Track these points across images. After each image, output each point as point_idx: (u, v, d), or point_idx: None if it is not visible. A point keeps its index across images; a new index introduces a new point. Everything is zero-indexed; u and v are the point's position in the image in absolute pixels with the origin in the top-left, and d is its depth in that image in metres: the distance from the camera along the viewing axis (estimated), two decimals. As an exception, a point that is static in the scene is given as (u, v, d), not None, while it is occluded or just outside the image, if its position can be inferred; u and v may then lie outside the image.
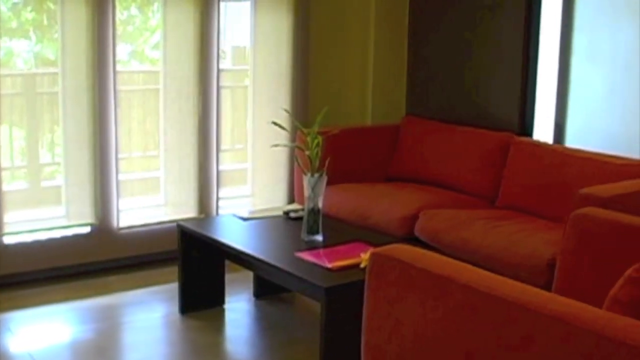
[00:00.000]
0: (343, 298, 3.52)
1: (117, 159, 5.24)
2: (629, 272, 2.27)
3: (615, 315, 2.19)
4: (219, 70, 5.51)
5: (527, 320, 2.21)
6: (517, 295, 2.28)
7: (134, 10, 6.01)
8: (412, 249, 2.71)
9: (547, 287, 3.62)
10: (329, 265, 3.73)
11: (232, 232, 4.50)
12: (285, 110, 4.85)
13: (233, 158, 6.44)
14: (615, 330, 2.04)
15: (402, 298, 2.58)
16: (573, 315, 2.14)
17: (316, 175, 4.09)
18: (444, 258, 2.64)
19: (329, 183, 4.70)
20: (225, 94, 6.23)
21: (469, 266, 2.59)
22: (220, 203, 5.71)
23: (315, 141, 4.08)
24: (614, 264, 3.20)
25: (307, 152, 4.12)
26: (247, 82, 5.89)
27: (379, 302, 2.68)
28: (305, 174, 4.14)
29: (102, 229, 5.26)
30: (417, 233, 4.76)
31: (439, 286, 2.45)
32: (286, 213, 4.65)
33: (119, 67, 5.28)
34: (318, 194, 4.11)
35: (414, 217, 4.82)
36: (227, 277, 4.75)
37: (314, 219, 4.14)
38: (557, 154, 4.94)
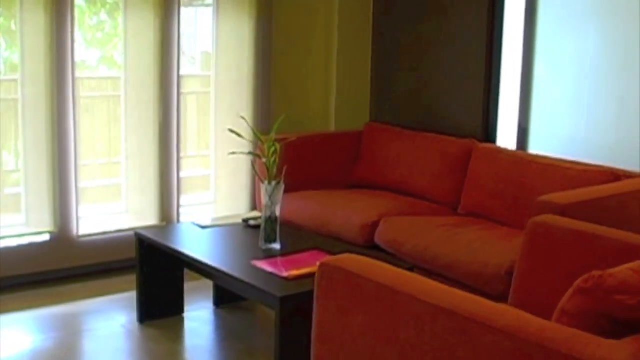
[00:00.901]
0: (298, 307, 3.49)
1: (76, 166, 5.19)
2: (577, 282, 2.25)
3: (562, 327, 2.17)
4: (179, 77, 5.47)
5: (476, 333, 2.18)
6: (466, 307, 2.26)
7: (103, 15, 5.95)
8: (361, 259, 2.68)
9: (506, 295, 3.61)
10: (285, 274, 3.70)
11: (191, 241, 4.46)
12: (242, 118, 4.80)
13: (200, 164, 6.40)
14: (561, 343, 2.02)
15: (350, 309, 2.55)
16: (519, 328, 2.12)
17: (273, 183, 4.05)
18: (393, 269, 2.61)
19: (289, 190, 4.67)
20: (192, 100, 6.19)
21: (418, 277, 2.57)
22: (184, 210, 5.67)
23: (272, 149, 4.04)
24: (571, 272, 3.17)
25: (263, 160, 4.09)
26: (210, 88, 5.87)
27: (328, 313, 2.65)
28: (262, 181, 4.10)
29: (62, 237, 5.21)
30: (377, 241, 4.73)
31: (387, 297, 2.43)
32: (245, 221, 4.62)
33: (80, 74, 5.23)
34: (275, 202, 4.08)
35: (375, 225, 4.78)
36: (187, 285, 4.72)
37: (271, 227, 4.11)
38: (519, 160, 4.93)
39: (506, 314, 2.25)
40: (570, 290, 2.26)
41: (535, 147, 5.37)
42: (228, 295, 4.77)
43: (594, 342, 2.02)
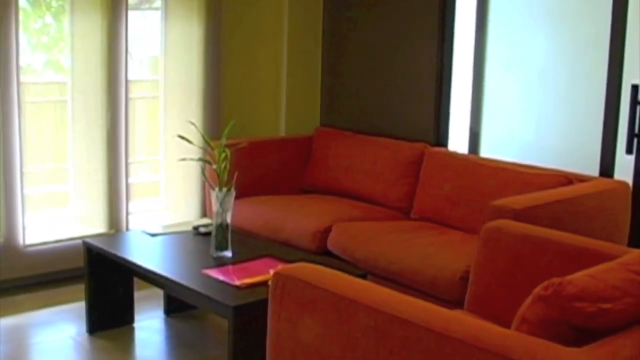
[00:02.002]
0: (251, 316, 3.43)
1: (22, 173, 5.07)
2: (537, 290, 2.22)
3: (523, 335, 2.15)
4: (127, 81, 5.38)
5: (433, 342, 2.15)
6: (422, 316, 2.23)
7: (48, 18, 5.83)
8: (316, 268, 2.64)
9: (460, 301, 3.58)
10: (237, 283, 3.64)
11: (140, 249, 4.38)
12: (192, 123, 4.73)
13: (150, 170, 6.31)
14: (522, 352, 2.00)
15: (304, 319, 2.51)
16: (479, 337, 2.09)
17: (224, 189, 3.99)
18: (348, 277, 2.57)
19: (240, 196, 4.62)
20: (140, 105, 6.10)
21: (373, 285, 2.53)
22: (133, 217, 5.58)
23: (223, 155, 3.98)
24: (526, 278, 3.17)
25: (214, 166, 4.02)
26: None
27: (282, 323, 2.60)
28: (213, 188, 4.04)
29: (8, 246, 5.08)
30: (330, 247, 4.69)
31: (342, 307, 2.39)
32: (196, 228, 4.55)
33: (25, 78, 5.13)
34: (226, 209, 4.01)
35: (327, 231, 4.74)
36: (137, 294, 4.64)
37: (222, 235, 4.05)
38: (471, 164, 4.93)
39: (465, 323, 2.22)
40: (530, 298, 2.24)
41: (487, 151, 5.37)
42: (179, 304, 4.70)
43: (554, 350, 2.01)
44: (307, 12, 6.09)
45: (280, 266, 2.70)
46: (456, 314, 2.32)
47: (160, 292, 4.72)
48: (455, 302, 3.78)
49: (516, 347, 2.02)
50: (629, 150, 4.55)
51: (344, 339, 2.38)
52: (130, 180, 5.55)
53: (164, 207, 5.81)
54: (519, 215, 3.68)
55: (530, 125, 5.28)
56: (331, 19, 6.09)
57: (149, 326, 4.63)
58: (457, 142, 5.50)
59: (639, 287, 2.26)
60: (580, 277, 2.22)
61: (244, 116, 5.85)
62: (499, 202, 3.83)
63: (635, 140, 4.52)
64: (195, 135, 4.74)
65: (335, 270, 2.65)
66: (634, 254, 2.57)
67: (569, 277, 2.19)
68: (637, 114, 4.50)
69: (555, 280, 2.17)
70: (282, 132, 6.08)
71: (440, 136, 5.45)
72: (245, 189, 5.12)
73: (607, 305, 2.14)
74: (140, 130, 6.15)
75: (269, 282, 3.43)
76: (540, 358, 1.96)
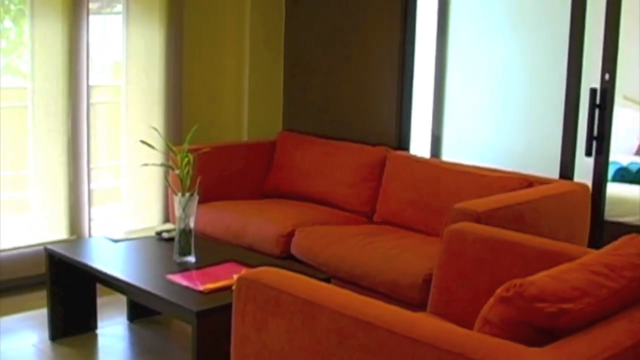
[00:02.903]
0: (215, 321, 3.42)
1: (-19, 180, 5.04)
2: (499, 291, 2.25)
3: (485, 336, 2.17)
4: (88, 86, 5.35)
5: (395, 345, 2.17)
6: (387, 319, 2.25)
7: (7, 23, 5.78)
8: (280, 272, 2.65)
9: (423, 303, 3.61)
10: (201, 288, 3.63)
11: (102, 255, 4.36)
12: (154, 128, 4.72)
13: (112, 176, 6.28)
14: (484, 353, 2.02)
15: (268, 323, 2.51)
16: (442, 339, 2.11)
17: (187, 194, 3.99)
18: (312, 281, 2.58)
19: (203, 201, 4.61)
20: (103, 110, 6.08)
21: (337, 289, 2.54)
22: (96, 222, 5.55)
23: (185, 160, 3.98)
24: (488, 279, 3.20)
25: (176, 171, 4.01)
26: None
27: (246, 327, 2.60)
28: (175, 193, 4.03)
29: (-32, 253, 5.04)
30: (293, 251, 4.70)
31: (305, 310, 2.40)
32: (159, 233, 4.53)
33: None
34: (189, 214, 4.01)
35: (290, 235, 4.76)
36: (100, 300, 4.61)
37: (185, 240, 4.04)
38: (433, 167, 4.96)
39: (427, 324, 2.24)
40: (492, 299, 2.26)
41: (448, 155, 5.41)
42: (142, 310, 4.67)
43: (516, 350, 2.03)
44: (269, 16, 6.10)
45: (244, 271, 2.71)
46: (419, 316, 2.34)
47: (123, 298, 4.69)
48: (418, 305, 3.81)
49: (478, 348, 2.04)
50: (588, 153, 4.61)
51: (308, 342, 2.38)
52: (92, 186, 5.52)
53: (126, 212, 5.77)
54: (481, 217, 3.71)
55: (491, 129, 5.33)
56: (293, 24, 6.10)
57: (112, 332, 4.60)
58: (420, 145, 5.53)
59: (599, 288, 2.29)
60: (541, 278, 2.25)
61: (207, 121, 5.84)
62: (461, 205, 3.86)
63: (594, 143, 4.59)
64: (157, 140, 4.73)
65: (298, 274, 2.66)
66: (594, 254, 2.60)
67: (530, 278, 2.21)
68: (596, 117, 4.57)
69: (517, 281, 2.19)
70: (245, 137, 6.08)
71: (402, 140, 5.48)
72: (209, 194, 5.12)
73: (568, 306, 2.17)
74: (102, 136, 6.12)
75: (233, 287, 3.45)
76: (501, 358, 1.99)
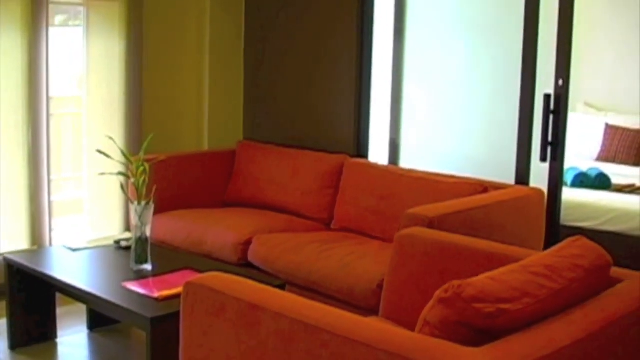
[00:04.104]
0: (169, 327, 3.41)
1: (-59, 192, 5.03)
2: (438, 292, 2.28)
3: (424, 337, 2.21)
4: (49, 98, 5.35)
5: (337, 346, 2.19)
6: (328, 321, 2.27)
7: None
8: (227, 277, 2.68)
9: (378, 308, 3.63)
10: (156, 295, 3.66)
11: (61, 264, 4.36)
12: (110, 138, 4.73)
13: (75, 186, 6.28)
14: (422, 353, 2.05)
15: (215, 328, 2.54)
16: (381, 340, 2.14)
17: (143, 203, 4.01)
18: (258, 285, 2.61)
19: (163, 210, 4.64)
20: (66, 121, 6.08)
21: (282, 293, 2.58)
22: (58, 233, 5.55)
23: (141, 169, 4.00)
24: (438, 283, 3.20)
25: (132, 180, 4.04)
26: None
27: (194, 332, 2.63)
28: (132, 202, 4.05)
29: None
30: (250, 258, 4.73)
31: (251, 315, 2.43)
32: (117, 242, 4.55)
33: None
34: (145, 223, 4.03)
35: (248, 242, 4.78)
36: (60, 309, 4.61)
37: (142, 248, 4.06)
38: (390, 174, 5.00)
39: (369, 326, 2.27)
40: (432, 301, 2.29)
41: (407, 161, 5.45)
42: (102, 319, 4.68)
43: (453, 350, 2.06)
44: (229, 27, 6.13)
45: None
46: (361, 319, 2.37)
47: (83, 307, 4.70)
48: (373, 310, 3.83)
49: (416, 349, 2.07)
50: (543, 158, 4.66)
51: (254, 344, 2.41)
52: (55, 197, 5.52)
53: (88, 222, 5.78)
54: (433, 222, 3.75)
55: (448, 135, 5.37)
56: (253, 35, 6.13)
57: (72, 341, 4.60)
58: (379, 152, 5.57)
59: (538, 288, 2.33)
60: (480, 280, 2.29)
61: (168, 131, 5.86)
62: (413, 210, 3.90)
63: (549, 148, 4.63)
64: (118, 150, 4.74)
65: (244, 279, 2.68)
66: (537, 256, 2.65)
67: (469, 280, 2.25)
68: (550, 122, 4.62)
69: (455, 282, 2.23)
70: (205, 146, 6.10)
71: (361, 147, 5.52)
72: (168, 203, 5.14)
73: (506, 306, 2.20)
74: (65, 147, 6.12)
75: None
76: (439, 358, 2.02)
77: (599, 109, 8.21)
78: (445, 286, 2.26)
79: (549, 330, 2.22)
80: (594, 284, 2.55)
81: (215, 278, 2.65)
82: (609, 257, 2.66)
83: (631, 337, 2.47)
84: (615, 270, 2.74)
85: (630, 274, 2.77)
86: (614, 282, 2.66)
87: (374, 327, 2.26)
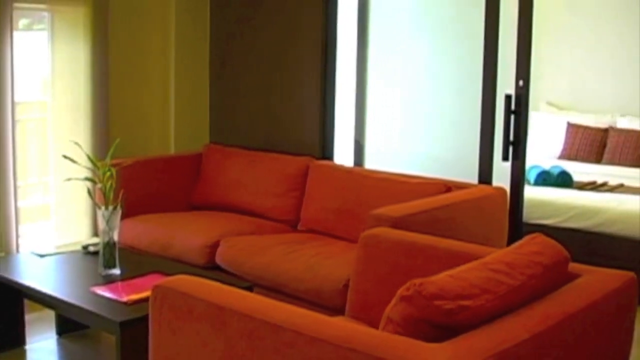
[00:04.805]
0: (138, 331, 3.43)
1: None
2: (400, 290, 2.33)
3: (386, 334, 2.26)
4: (14, 103, 5.34)
5: (303, 345, 2.24)
6: (293, 321, 2.32)
7: None
8: (194, 279, 2.72)
9: (345, 308, 3.68)
10: (124, 299, 3.69)
11: (29, 271, 4.38)
12: (76, 143, 4.75)
13: (42, 192, 6.26)
14: (385, 350, 2.10)
15: (183, 329, 2.58)
16: (345, 338, 2.19)
17: (110, 208, 4.03)
18: (225, 287, 2.65)
19: (130, 215, 4.67)
20: (32, 127, 6.08)
21: (249, 294, 2.63)
22: (25, 239, 5.54)
23: (108, 174, 4.03)
24: (402, 282, 3.25)
25: (98, 185, 4.06)
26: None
27: (163, 335, 2.66)
28: (99, 207, 4.08)
29: None
30: (218, 261, 4.76)
31: (217, 316, 2.47)
32: (85, 247, 4.57)
33: None
34: (113, 227, 4.05)
35: (215, 245, 4.81)
36: (29, 315, 4.61)
37: (110, 253, 4.08)
38: (354, 175, 5.06)
39: (333, 325, 2.32)
40: (394, 299, 2.34)
41: (372, 163, 5.51)
42: (71, 324, 4.69)
43: (415, 347, 2.11)
44: (194, 32, 6.15)
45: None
46: (326, 318, 2.41)
47: (52, 313, 4.70)
48: (340, 310, 3.87)
49: (380, 346, 2.13)
50: (505, 157, 4.73)
51: (222, 345, 2.45)
52: (22, 203, 5.50)
53: (55, 228, 5.78)
54: (397, 222, 3.80)
55: (412, 136, 5.43)
56: (218, 39, 6.16)
57: (41, 347, 4.61)
58: (344, 154, 5.62)
59: (498, 285, 2.39)
60: (441, 277, 2.34)
61: (134, 135, 5.87)
62: (378, 211, 3.95)
63: (511, 148, 4.71)
64: (84, 155, 4.75)
65: (211, 281, 2.73)
66: (496, 253, 2.71)
67: (429, 278, 2.30)
68: (512, 122, 4.69)
69: (416, 280, 2.28)
70: (172, 150, 6.11)
71: (326, 149, 5.56)
72: (135, 208, 5.16)
73: (466, 302, 2.26)
74: (31, 153, 6.11)
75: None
76: (401, 354, 2.07)
77: (561, 108, 8.32)
78: (407, 284, 2.30)
79: (508, 325, 2.27)
80: (553, 279, 2.61)
81: (183, 281, 2.69)
82: (566, 253, 2.73)
83: (588, 330, 2.53)
84: (574, 266, 2.81)
85: (587, 269, 2.84)
86: (572, 277, 2.73)
87: (339, 326, 2.31)
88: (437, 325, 2.24)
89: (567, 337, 2.41)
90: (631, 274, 2.83)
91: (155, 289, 2.69)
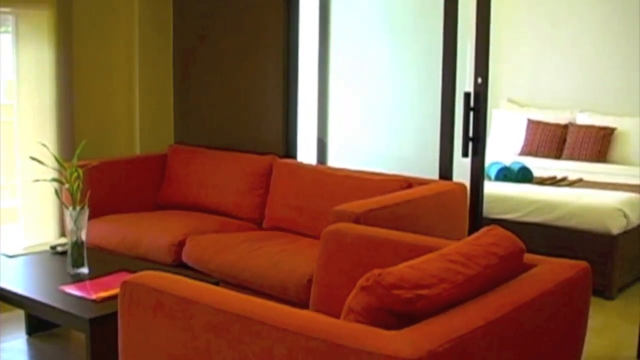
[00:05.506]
0: (108, 328, 3.47)
1: None
2: (360, 281, 2.41)
3: (347, 323, 2.34)
4: (-21, 107, 5.39)
5: (269, 335, 2.31)
6: (259, 312, 2.40)
7: None
8: (162, 275, 2.79)
9: (309, 303, 3.76)
10: (93, 297, 3.75)
11: (-3, 271, 4.42)
12: (44, 145, 4.80)
13: (10, 195, 6.28)
14: (346, 337, 2.18)
15: (152, 324, 2.64)
16: (308, 327, 2.27)
17: (77, 208, 4.09)
18: (193, 282, 2.72)
19: (97, 215, 4.71)
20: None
21: (215, 288, 2.70)
22: (-8, 242, 5.57)
23: (75, 174, 4.08)
24: (363, 275, 3.37)
25: (66, 186, 4.12)
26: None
27: (132, 330, 2.73)
28: (67, 207, 4.14)
29: None
30: (184, 259, 4.82)
31: (184, 309, 2.54)
32: (53, 248, 4.62)
33: None
34: (80, 227, 4.11)
35: (182, 244, 4.88)
36: (-2, 317, 4.66)
37: (78, 252, 4.14)
38: (317, 173, 5.14)
39: (297, 316, 2.40)
40: (355, 289, 2.43)
41: (334, 160, 5.59)
42: (41, 324, 4.74)
43: (375, 334, 2.20)
44: (158, 33, 6.20)
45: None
46: (290, 309, 2.49)
47: (21, 313, 4.74)
48: (304, 305, 3.94)
49: (342, 334, 2.21)
50: (464, 154, 4.82)
51: (189, 337, 2.53)
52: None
53: (24, 229, 5.81)
54: (359, 218, 3.89)
55: (374, 134, 5.52)
56: (181, 40, 6.20)
57: (11, 347, 4.65)
58: (307, 152, 5.69)
59: (455, 274, 2.48)
60: (400, 268, 2.43)
61: (100, 136, 5.91)
62: (340, 207, 4.03)
63: (470, 144, 4.80)
64: (50, 157, 4.80)
65: (179, 277, 2.81)
66: (454, 245, 2.80)
67: (388, 269, 2.39)
68: (471, 119, 4.79)
69: (376, 271, 2.37)
70: (137, 151, 6.15)
71: (290, 148, 5.63)
72: (102, 208, 5.21)
73: (424, 292, 2.35)
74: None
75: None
76: (361, 342, 2.15)
77: (522, 105, 8.46)
78: (367, 275, 2.39)
79: (464, 313, 2.36)
80: (508, 269, 2.71)
81: (151, 276, 2.76)
82: (521, 244, 2.83)
83: (542, 317, 2.64)
84: (529, 257, 2.91)
85: (542, 260, 2.95)
86: (528, 267, 2.83)
87: (302, 316, 2.40)
88: (397, 314, 2.32)
89: (521, 324, 2.51)
90: (584, 263, 2.94)
91: (124, 285, 2.76)
